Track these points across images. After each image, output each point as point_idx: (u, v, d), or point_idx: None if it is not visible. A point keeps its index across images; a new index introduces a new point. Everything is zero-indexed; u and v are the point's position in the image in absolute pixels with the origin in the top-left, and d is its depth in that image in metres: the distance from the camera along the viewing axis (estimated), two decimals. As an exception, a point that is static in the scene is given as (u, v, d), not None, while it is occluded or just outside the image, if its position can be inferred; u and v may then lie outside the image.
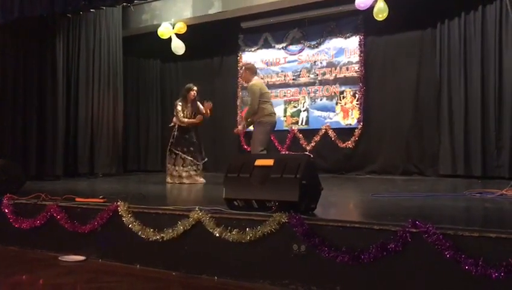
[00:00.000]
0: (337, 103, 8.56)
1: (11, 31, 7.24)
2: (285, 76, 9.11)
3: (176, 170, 6.70)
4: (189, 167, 6.72)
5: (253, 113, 6.06)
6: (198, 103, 6.84)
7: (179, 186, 6.44)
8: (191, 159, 6.68)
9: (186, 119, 6.73)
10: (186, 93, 6.76)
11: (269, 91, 6.38)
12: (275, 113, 6.26)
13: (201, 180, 6.73)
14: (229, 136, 9.36)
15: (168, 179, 6.75)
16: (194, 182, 6.65)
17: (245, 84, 6.53)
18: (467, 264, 2.43)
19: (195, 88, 6.77)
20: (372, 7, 7.00)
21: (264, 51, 9.32)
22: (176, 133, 6.78)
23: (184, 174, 6.70)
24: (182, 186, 6.45)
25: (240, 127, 6.75)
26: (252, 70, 6.32)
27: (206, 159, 6.87)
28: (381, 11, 6.93)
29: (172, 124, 6.91)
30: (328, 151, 8.55)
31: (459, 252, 2.47)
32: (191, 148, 6.73)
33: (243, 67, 6.46)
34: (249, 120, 6.27)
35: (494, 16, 7.06)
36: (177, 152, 6.70)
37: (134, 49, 9.60)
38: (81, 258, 3.80)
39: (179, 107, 6.72)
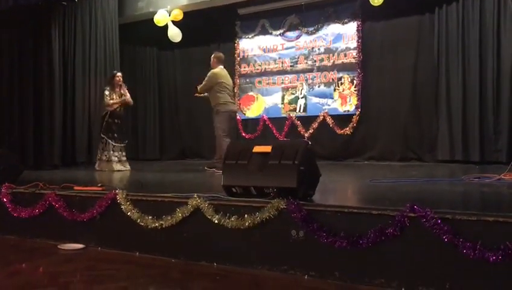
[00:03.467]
0: (335, 90, 8.54)
1: (6, 21, 7.18)
2: (282, 63, 9.07)
3: (106, 155, 6.97)
4: (119, 152, 7.02)
5: (200, 92, 6.61)
6: (126, 90, 7.20)
7: (177, 174, 6.45)
8: (119, 144, 7.02)
9: (111, 101, 7.01)
10: (111, 79, 7.15)
11: (230, 83, 6.64)
12: (233, 102, 6.61)
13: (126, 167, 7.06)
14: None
15: (97, 166, 7.03)
16: (122, 168, 6.97)
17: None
18: (465, 248, 2.45)
19: (119, 73, 7.20)
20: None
21: (261, 37, 9.27)
22: (107, 119, 7.02)
23: (114, 158, 6.97)
24: (180, 174, 6.45)
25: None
26: (219, 59, 6.67)
27: (125, 142, 7.18)
28: (377, -4, 6.91)
29: (104, 112, 7.11)
30: (326, 138, 8.55)
31: (457, 236, 2.48)
32: (120, 134, 7.07)
33: (213, 55, 6.76)
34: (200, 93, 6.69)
35: (493, 1, 7.02)
36: (105, 137, 6.99)
37: (131, 37, 9.53)
38: (80, 246, 3.81)
39: (106, 92, 7.06)
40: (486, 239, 2.44)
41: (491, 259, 2.38)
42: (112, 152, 6.98)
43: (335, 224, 2.85)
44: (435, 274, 2.57)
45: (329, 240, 2.80)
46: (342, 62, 8.48)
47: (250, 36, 9.36)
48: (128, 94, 7.18)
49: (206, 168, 6.72)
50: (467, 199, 3.72)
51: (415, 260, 2.63)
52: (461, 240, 2.46)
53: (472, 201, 3.69)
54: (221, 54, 6.83)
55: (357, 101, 8.31)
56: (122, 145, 7.09)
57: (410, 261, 2.65)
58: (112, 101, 7.01)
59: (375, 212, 2.76)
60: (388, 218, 2.68)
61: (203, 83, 6.53)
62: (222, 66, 6.67)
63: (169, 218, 3.39)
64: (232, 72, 9.43)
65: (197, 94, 6.73)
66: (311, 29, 8.74)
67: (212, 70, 6.56)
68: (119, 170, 6.90)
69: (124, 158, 7.11)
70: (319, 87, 8.71)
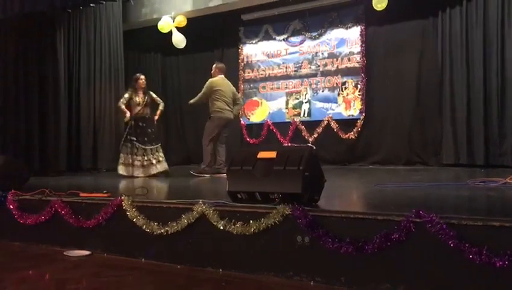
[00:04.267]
0: (339, 94, 8.54)
1: (12, 28, 7.23)
2: (286, 68, 9.08)
3: (129, 159, 6.95)
4: (142, 157, 6.97)
5: (199, 101, 6.93)
6: (152, 93, 7.25)
7: (183, 179, 6.46)
8: (143, 147, 6.96)
9: (122, 106, 7.02)
10: (134, 82, 7.13)
11: (228, 92, 6.90)
12: (229, 110, 6.88)
13: (155, 171, 6.98)
14: (231, 128, 9.36)
15: (121, 170, 6.96)
16: (147, 174, 6.91)
17: None
18: (471, 253, 2.44)
19: (142, 76, 7.18)
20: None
21: (265, 42, 9.29)
22: (131, 122, 7.05)
23: (137, 163, 6.94)
24: (186, 179, 6.47)
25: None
26: (220, 69, 7.00)
27: (153, 146, 7.07)
28: (380, 1, 6.89)
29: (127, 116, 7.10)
30: (331, 142, 8.54)
31: (462, 241, 2.47)
32: (145, 138, 7.01)
33: (214, 65, 7.10)
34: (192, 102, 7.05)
35: (496, 4, 7.00)
36: (128, 140, 7.01)
37: (135, 43, 9.57)
38: (86, 252, 3.82)
39: (126, 95, 7.13)
40: (492, 244, 2.43)
41: (498, 264, 2.38)
42: (134, 156, 6.94)
43: (340, 229, 2.85)
44: (441, 279, 2.57)
45: (334, 245, 2.80)
46: (346, 67, 8.49)
47: (253, 42, 9.39)
48: (157, 99, 7.22)
49: (192, 172, 6.86)
50: (472, 204, 3.71)
51: (420, 265, 2.63)
52: (467, 245, 2.46)
53: (478, 206, 3.68)
54: (223, 65, 7.13)
55: (361, 105, 8.30)
56: (148, 148, 6.99)
57: (416, 267, 2.64)
58: (121, 103, 7.02)
59: (381, 218, 2.76)
60: (393, 223, 2.68)
61: (201, 92, 6.86)
62: (223, 76, 6.94)
63: (174, 224, 3.41)
64: (236, 78, 9.50)
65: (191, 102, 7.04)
66: (314, 34, 8.76)
67: (210, 79, 6.90)
68: (138, 176, 6.87)
69: (149, 162, 6.97)
70: (323, 91, 8.72)
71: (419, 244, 2.62)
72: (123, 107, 7.04)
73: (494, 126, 7.00)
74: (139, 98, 7.07)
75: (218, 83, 6.85)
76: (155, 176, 6.92)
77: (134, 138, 6.99)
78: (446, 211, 2.87)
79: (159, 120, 7.36)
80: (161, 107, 7.20)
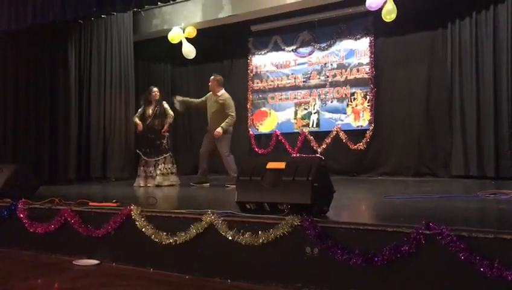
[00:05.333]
0: (348, 105, 8.54)
1: (24, 39, 7.33)
2: (295, 78, 9.10)
3: (144, 171, 7.06)
4: (152, 168, 7.03)
5: (234, 122, 6.97)
6: (165, 103, 7.29)
7: (191, 189, 6.47)
8: (151, 159, 7.03)
9: (136, 120, 7.19)
10: (148, 95, 7.25)
11: None
12: None
13: (165, 182, 7.04)
14: (239, 138, 9.38)
15: (137, 182, 7.07)
16: (157, 184, 6.96)
17: (217, 94, 7.02)
18: (482, 266, 2.41)
19: (155, 89, 7.30)
20: (382, 8, 6.97)
21: (274, 53, 9.33)
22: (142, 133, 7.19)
23: (148, 174, 7.04)
24: (194, 189, 6.48)
25: (220, 130, 6.86)
26: (220, 82, 7.04)
27: (160, 157, 7.09)
28: (389, 13, 6.89)
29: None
30: (340, 153, 8.52)
31: (473, 254, 2.45)
32: (152, 149, 7.07)
33: (213, 77, 7.07)
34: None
35: (506, 16, 6.98)
36: (139, 152, 7.15)
37: (145, 54, 9.65)
38: (95, 262, 3.83)
39: (140, 109, 7.30)
40: (503, 257, 2.40)
41: (509, 278, 2.35)
42: (145, 167, 7.05)
43: (350, 241, 2.84)
44: (451, 293, 2.54)
45: (343, 257, 2.78)
46: (355, 77, 8.49)
47: (263, 52, 9.43)
48: (168, 110, 7.24)
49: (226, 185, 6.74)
50: (483, 216, 3.68)
51: (430, 278, 2.60)
52: (478, 258, 2.43)
53: (488, 218, 3.65)
54: (221, 77, 7.17)
55: (370, 116, 8.28)
56: (155, 159, 7.05)
57: (426, 279, 2.62)
58: (135, 118, 7.23)
59: (390, 229, 2.74)
60: (403, 235, 2.67)
61: (230, 110, 6.88)
62: (224, 89, 7.04)
63: (183, 234, 3.41)
64: (245, 88, 9.55)
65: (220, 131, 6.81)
66: (323, 45, 8.78)
67: (227, 95, 6.96)
68: (149, 185, 6.98)
69: (158, 173, 7.02)
70: (331, 102, 8.72)
71: (429, 256, 2.60)
72: (137, 120, 7.18)
73: (505, 138, 6.94)
74: (149, 110, 7.16)
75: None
76: (165, 186, 6.94)
77: (141, 151, 7.11)
78: (456, 223, 2.84)
79: (168, 131, 7.37)
80: (169, 119, 7.22)
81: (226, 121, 6.78)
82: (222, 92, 6.99)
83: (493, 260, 2.40)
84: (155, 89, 7.31)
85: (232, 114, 6.87)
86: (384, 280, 2.72)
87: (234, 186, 6.36)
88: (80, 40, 8.25)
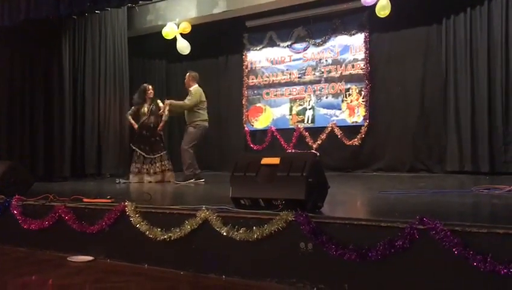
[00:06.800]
0: (343, 101, 8.54)
1: (18, 35, 7.28)
2: (290, 74, 9.10)
3: (137, 167, 7.08)
4: (149, 165, 7.07)
5: (185, 108, 6.87)
6: (159, 101, 7.32)
7: (185, 185, 6.47)
8: (148, 156, 7.06)
9: (129, 117, 7.37)
10: (143, 93, 7.29)
11: (205, 100, 7.01)
12: (207, 120, 6.97)
13: (161, 179, 7.07)
14: (234, 134, 9.39)
15: (131, 177, 7.11)
16: (153, 181, 6.99)
17: (189, 88, 7.02)
18: (475, 260, 2.42)
19: (150, 86, 7.35)
20: (377, 3, 6.97)
21: (269, 49, 9.32)
22: (138, 130, 7.23)
23: (143, 171, 7.06)
24: (188, 185, 6.47)
25: (166, 111, 7.09)
26: (195, 78, 7.04)
27: (156, 155, 7.14)
28: (383, 8, 6.90)
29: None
30: (335, 149, 8.53)
31: (467, 248, 2.46)
32: (147, 147, 7.11)
33: (188, 74, 7.10)
34: (171, 110, 7.10)
35: (500, 11, 7.00)
36: (135, 149, 7.17)
37: (140, 50, 9.62)
38: (89, 258, 3.82)
39: (134, 106, 7.37)
40: (497, 252, 2.41)
41: (502, 272, 2.36)
42: (140, 164, 7.07)
43: (344, 236, 2.84)
44: (444, 287, 2.55)
45: (338, 252, 2.79)
46: (350, 73, 8.49)
47: (258, 48, 9.41)
48: (161, 107, 7.23)
49: (175, 181, 6.84)
50: (477, 211, 3.70)
51: (424, 273, 2.61)
52: (471, 252, 2.44)
53: (482, 213, 3.66)
54: (196, 73, 7.16)
55: (365, 112, 8.29)
56: (152, 157, 7.08)
57: (420, 274, 2.62)
58: (128, 115, 7.38)
59: (384, 225, 2.75)
60: (397, 230, 2.67)
61: (190, 98, 6.81)
62: (197, 85, 7.01)
63: (177, 230, 3.40)
64: (240, 84, 9.53)
65: (167, 104, 7.02)
66: (318, 40, 8.77)
67: (196, 88, 6.92)
68: (143, 182, 7.01)
69: (154, 170, 7.07)
70: (326, 98, 8.72)
71: (424, 251, 2.61)
72: (130, 118, 7.28)
73: (499, 133, 6.97)
74: (145, 108, 7.19)
75: (202, 94, 6.94)
76: (161, 182, 6.95)
77: (137, 147, 7.12)
78: (450, 218, 2.85)
79: (163, 129, 7.38)
80: (165, 118, 7.21)
81: (178, 101, 6.94)
82: (193, 87, 6.98)
83: (486, 254, 2.41)
84: (150, 87, 7.34)
85: (187, 101, 6.83)
86: (378, 275, 2.73)
87: (182, 183, 6.57)
88: (74, 36, 8.21)
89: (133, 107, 7.35)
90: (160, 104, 7.25)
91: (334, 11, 8.33)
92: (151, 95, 7.27)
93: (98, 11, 8.00)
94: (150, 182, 6.97)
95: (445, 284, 2.55)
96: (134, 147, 7.18)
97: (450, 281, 2.54)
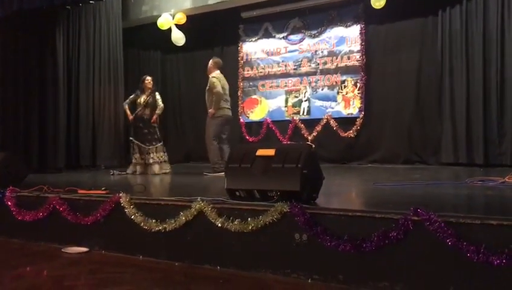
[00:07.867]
0: (338, 93, 8.54)
1: (11, 25, 7.21)
2: (286, 66, 9.07)
3: (135, 158, 7.12)
4: (146, 155, 7.08)
5: (220, 98, 6.49)
6: (157, 94, 7.28)
7: (180, 177, 6.46)
8: (145, 147, 7.07)
9: (126, 107, 7.31)
10: (141, 84, 7.26)
11: (227, 88, 6.77)
12: (228, 108, 6.70)
13: (156, 171, 7.03)
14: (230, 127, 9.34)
15: (130, 169, 7.14)
16: (148, 173, 7.00)
17: (210, 75, 6.77)
18: (469, 251, 2.44)
19: (148, 77, 7.31)
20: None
21: (264, 40, 9.28)
22: (134, 122, 7.21)
23: (140, 161, 7.10)
24: (184, 177, 6.47)
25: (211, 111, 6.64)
26: (218, 64, 6.78)
27: (151, 146, 7.12)
28: (378, 0, 6.90)
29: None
30: (330, 140, 8.54)
31: (460, 239, 2.47)
32: (142, 138, 7.11)
33: (212, 60, 6.87)
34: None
35: (496, 3, 7.00)
36: (132, 140, 7.20)
37: (135, 41, 9.56)
38: (84, 249, 3.82)
39: (131, 96, 7.33)
40: (490, 243, 2.43)
41: (495, 263, 2.37)
42: (137, 155, 7.11)
43: (338, 227, 2.85)
44: (438, 278, 2.57)
45: (332, 243, 2.80)
46: (346, 65, 8.48)
47: (253, 39, 9.37)
48: (158, 101, 7.20)
49: (204, 173, 6.65)
50: (470, 203, 3.71)
51: (418, 264, 2.63)
52: (465, 243, 2.46)
53: (476, 204, 3.68)
54: (219, 59, 6.94)
55: (361, 104, 8.30)
56: (146, 148, 7.06)
57: (414, 265, 2.64)
58: (125, 104, 7.32)
59: (379, 216, 2.75)
60: (392, 221, 2.68)
61: (215, 91, 6.44)
62: (219, 71, 6.75)
63: (172, 221, 3.40)
64: (235, 76, 9.49)
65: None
66: (314, 32, 8.75)
67: (213, 76, 6.62)
68: (139, 173, 7.04)
69: (149, 162, 7.06)
70: (322, 90, 8.71)
71: (418, 242, 2.62)
72: (126, 107, 7.27)
73: (494, 125, 7.00)
74: (141, 99, 7.17)
75: (221, 80, 6.66)
76: (157, 174, 6.95)
77: (133, 138, 7.14)
78: (444, 209, 2.87)
79: (158, 121, 7.31)
80: (158, 110, 7.18)
81: (213, 101, 6.51)
82: (214, 73, 6.69)
83: (480, 245, 2.43)
84: (148, 77, 7.31)
85: (215, 90, 6.46)
86: (373, 266, 2.74)
87: (211, 174, 6.41)
88: (68, 26, 8.12)
89: (130, 97, 7.34)
90: (157, 98, 7.21)
91: (330, 2, 8.31)
92: (149, 86, 7.23)
93: (92, 1, 7.94)
94: (145, 173, 6.96)
95: (439, 275, 2.57)
96: (130, 138, 7.20)
97: (444, 272, 2.55)
